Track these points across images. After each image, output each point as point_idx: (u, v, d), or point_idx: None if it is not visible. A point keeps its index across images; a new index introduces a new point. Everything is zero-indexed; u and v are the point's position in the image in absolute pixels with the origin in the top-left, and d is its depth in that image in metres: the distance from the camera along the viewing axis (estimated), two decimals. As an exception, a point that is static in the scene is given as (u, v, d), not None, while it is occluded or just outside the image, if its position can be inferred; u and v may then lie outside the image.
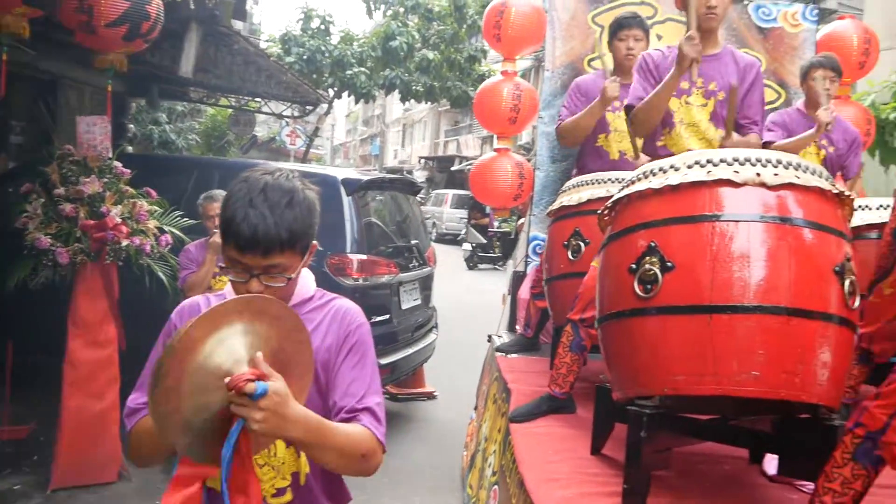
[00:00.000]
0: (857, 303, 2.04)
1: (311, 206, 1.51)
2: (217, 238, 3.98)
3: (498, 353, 4.43)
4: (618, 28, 4.02)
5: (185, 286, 4.19)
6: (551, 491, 2.40)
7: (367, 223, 5.52)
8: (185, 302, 1.66)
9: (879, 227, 3.27)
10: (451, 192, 27.21)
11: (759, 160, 2.04)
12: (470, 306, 10.92)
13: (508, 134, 5.38)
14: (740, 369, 1.97)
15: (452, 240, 24.27)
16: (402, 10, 17.06)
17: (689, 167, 2.10)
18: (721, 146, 2.97)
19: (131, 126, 11.24)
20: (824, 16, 6.11)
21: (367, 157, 55.58)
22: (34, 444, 4.64)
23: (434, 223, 26.17)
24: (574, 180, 3.57)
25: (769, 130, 3.84)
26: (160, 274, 4.43)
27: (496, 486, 3.16)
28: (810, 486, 2.02)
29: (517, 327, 4.98)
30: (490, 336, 5.02)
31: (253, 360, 1.32)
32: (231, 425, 1.31)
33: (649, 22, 4.56)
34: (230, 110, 14.85)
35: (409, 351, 5.72)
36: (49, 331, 4.28)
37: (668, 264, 2.05)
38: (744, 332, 1.96)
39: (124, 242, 4.18)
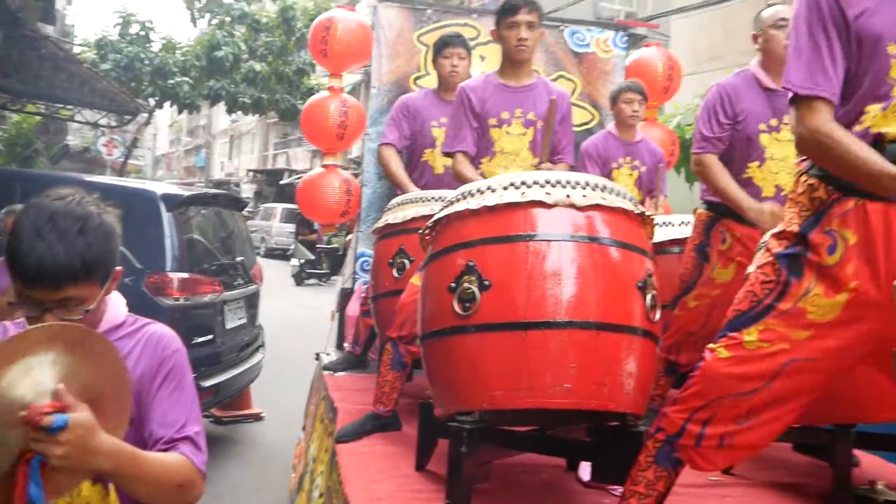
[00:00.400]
0: (658, 316, 2.18)
1: (109, 232, 1.42)
2: None
3: (325, 372, 4.37)
4: (442, 46, 4.12)
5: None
6: (375, 510, 2.39)
7: (188, 240, 5.32)
8: None
9: (681, 242, 3.52)
10: (280, 206, 26.72)
11: (568, 182, 2.14)
12: (299, 324, 10.74)
13: (336, 150, 5.36)
14: (554, 382, 2.04)
15: (282, 255, 23.81)
16: (228, 19, 16.62)
17: (505, 189, 2.17)
18: (538, 167, 3.11)
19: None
20: (636, 41, 6.51)
21: (191, 169, 53.55)
22: None
23: (263, 238, 25.59)
24: (399, 198, 3.60)
25: (589, 166, 4.07)
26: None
27: (323, 508, 3.11)
28: (620, 489, 2.13)
29: (345, 345, 4.94)
30: (318, 354, 4.96)
31: (56, 391, 1.22)
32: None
33: (472, 43, 4.70)
34: (38, 118, 13.87)
35: (235, 372, 5.55)
36: None
37: (486, 283, 2.11)
38: (556, 347, 2.04)
39: None
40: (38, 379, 1.22)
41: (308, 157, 31.54)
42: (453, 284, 2.18)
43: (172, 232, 5.04)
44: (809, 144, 1.85)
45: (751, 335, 1.88)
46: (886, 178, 1.71)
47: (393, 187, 4.70)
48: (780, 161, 3.06)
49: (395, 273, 3.42)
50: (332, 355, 4.81)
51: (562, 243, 2.08)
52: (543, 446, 2.51)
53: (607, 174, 4.20)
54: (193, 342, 4.98)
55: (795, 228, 1.90)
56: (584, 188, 2.14)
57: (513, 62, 3.15)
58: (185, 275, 5.00)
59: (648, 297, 2.14)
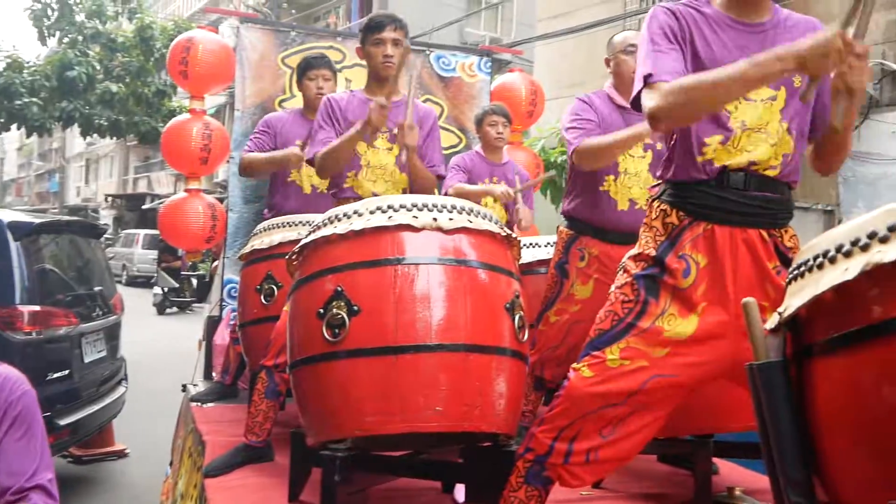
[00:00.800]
0: (526, 336, 2.22)
1: None
2: None
3: (193, 404, 4.21)
4: (307, 68, 4.08)
5: None
6: (246, 547, 2.31)
7: (40, 270, 5.01)
8: None
9: (548, 262, 3.61)
10: (142, 232, 25.61)
11: (435, 206, 2.16)
12: (164, 354, 10.31)
13: (199, 174, 5.19)
14: (426, 406, 2.04)
15: (145, 282, 22.81)
16: (80, 38, 15.85)
17: (372, 213, 2.16)
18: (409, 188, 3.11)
19: None
20: (501, 65, 6.68)
21: (44, 195, 50.66)
22: None
23: (124, 265, 24.48)
24: (265, 223, 3.53)
25: (454, 174, 4.12)
26: None
27: (191, 548, 2.98)
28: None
29: (214, 375, 4.78)
30: (185, 385, 4.77)
31: None
32: None
33: (338, 66, 4.68)
34: None
35: (95, 408, 5.26)
36: None
37: (355, 308, 2.09)
38: (427, 370, 2.04)
39: None
40: None
41: (171, 182, 30.48)
42: (322, 310, 2.14)
43: (21, 262, 4.73)
44: (665, 106, 1.85)
45: (613, 353, 1.94)
46: (749, 72, 1.74)
47: (259, 212, 4.61)
48: (633, 176, 3.19)
49: (263, 300, 3.34)
50: (199, 386, 4.64)
51: (430, 266, 2.09)
52: (417, 470, 2.50)
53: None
54: (48, 378, 4.69)
55: (652, 252, 1.99)
56: (450, 211, 2.16)
57: (379, 79, 3.16)
58: (37, 307, 4.70)
59: (516, 317, 2.17)
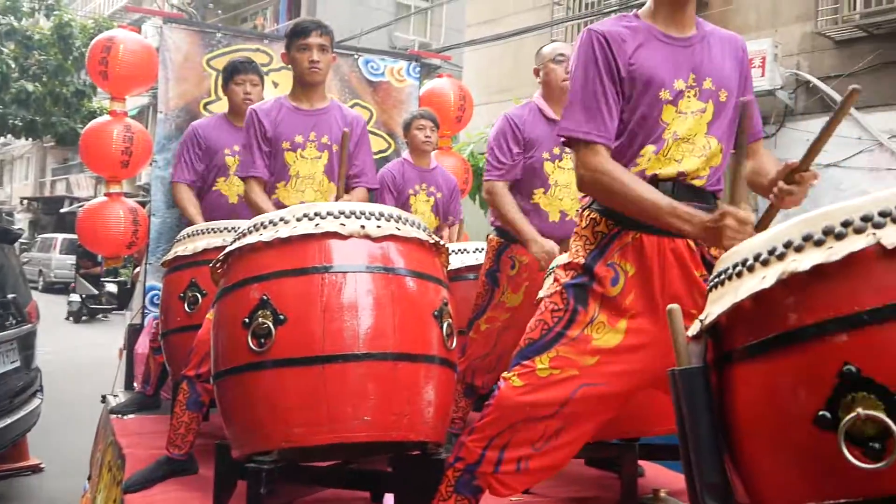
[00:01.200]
0: (454, 343, 2.22)
1: None
2: None
3: (113, 415, 4.08)
4: (233, 72, 4.01)
5: None
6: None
7: (-52, 277, 4.80)
8: None
9: (476, 268, 3.62)
10: (60, 237, 24.73)
11: (363, 213, 2.14)
12: (82, 364, 9.99)
13: (120, 178, 5.03)
14: (354, 416, 2.02)
15: (63, 289, 22.00)
16: (-6, 35, 15.28)
17: (299, 220, 2.13)
18: (337, 197, 3.09)
19: None
20: (430, 70, 6.69)
21: (-46, 198, 48.59)
22: None
23: (41, 271, 23.62)
24: (189, 229, 3.45)
25: (384, 194, 4.11)
26: None
27: (111, 566, 2.88)
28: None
29: (135, 384, 4.64)
30: (104, 396, 4.61)
31: None
32: None
33: (265, 69, 4.61)
34: None
35: (7, 421, 5.03)
36: None
37: (281, 317, 2.05)
38: (355, 380, 2.02)
39: None
40: None
41: (92, 184, 29.57)
42: (247, 319, 2.10)
43: (-72, 269, 4.52)
44: (591, 185, 1.98)
45: (542, 363, 1.95)
46: (662, 211, 1.86)
47: (182, 217, 4.51)
48: (563, 188, 3.24)
49: (186, 307, 3.26)
50: (120, 397, 4.49)
51: (357, 275, 2.07)
52: (346, 481, 2.48)
53: (404, 201, 4.26)
54: (-44, 392, 4.49)
55: (581, 260, 2.01)
56: (378, 219, 2.15)
57: (305, 85, 3.12)
58: (-55, 316, 4.50)
59: (445, 325, 2.17)
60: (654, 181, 1.97)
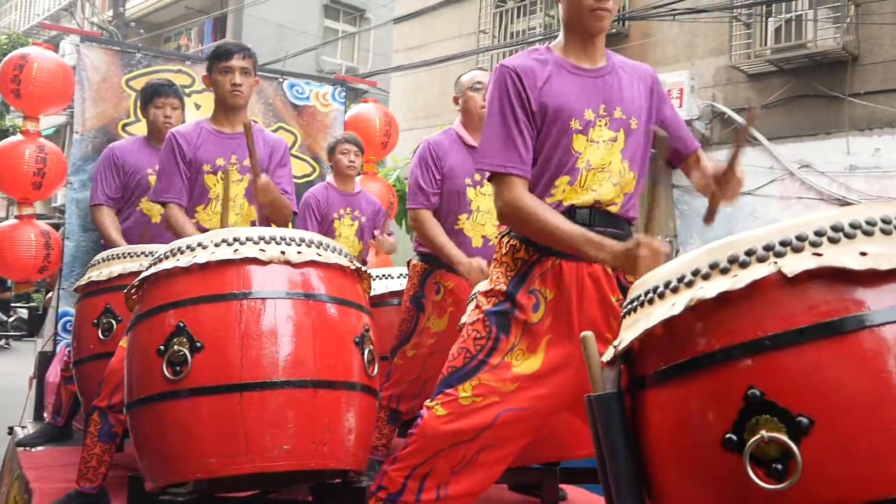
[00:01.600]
0: (375, 370, 2.21)
1: None
2: None
3: (20, 448, 3.91)
4: (154, 95, 3.94)
5: None
6: None
7: None
8: None
9: (400, 293, 3.62)
10: (-32, 260, 23.69)
11: (283, 239, 2.12)
12: (-9, 392, 9.53)
13: (32, 200, 4.87)
14: (272, 444, 1.98)
15: (-30, 315, 21.06)
16: None
17: (217, 245, 2.09)
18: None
19: None
20: (357, 95, 6.69)
21: None
22: None
23: (-54, 296, 22.55)
24: (104, 253, 3.35)
25: (307, 219, 4.08)
26: None
27: None
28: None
29: (45, 415, 4.46)
30: (11, 428, 4.42)
31: None
32: None
33: (187, 91, 4.55)
34: None
35: None
36: None
37: (198, 344, 2.01)
38: (274, 408, 1.99)
39: None
40: None
41: (3, 205, 28.45)
42: (162, 347, 2.05)
43: None
44: (509, 217, 2.03)
45: (465, 391, 1.96)
46: (576, 241, 1.91)
47: (99, 240, 4.39)
48: (486, 213, 3.27)
49: (100, 334, 3.15)
50: (28, 428, 4.31)
51: (277, 301, 2.04)
52: (266, 511, 2.42)
53: (328, 225, 4.23)
54: None
55: (503, 287, 2.04)
56: (299, 245, 2.13)
57: (227, 108, 3.09)
58: None
59: (366, 351, 2.16)
60: (571, 210, 2.02)
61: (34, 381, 4.90)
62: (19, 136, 4.86)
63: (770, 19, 9.06)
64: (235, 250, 2.08)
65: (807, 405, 1.14)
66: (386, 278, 3.82)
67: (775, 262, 1.20)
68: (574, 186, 2.03)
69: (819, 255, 1.19)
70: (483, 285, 2.14)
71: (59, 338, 4.55)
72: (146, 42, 15.93)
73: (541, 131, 2.02)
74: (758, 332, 1.20)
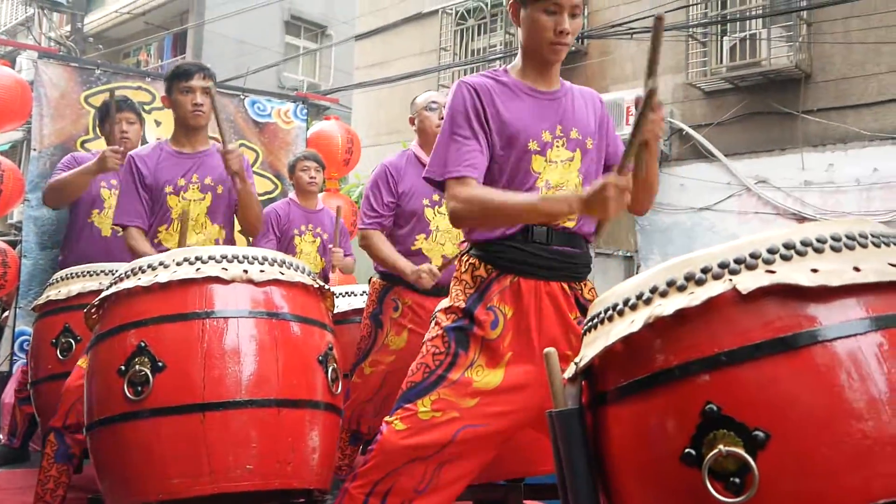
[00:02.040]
0: (339, 388, 2.21)
1: None
2: None
3: (-26, 471, 3.83)
4: (110, 111, 3.89)
5: None
6: None
7: None
8: None
9: (363, 311, 3.61)
10: (-80, 278, 23.17)
11: (245, 258, 2.11)
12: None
13: (-13, 217, 4.80)
14: (235, 464, 1.98)
15: (-78, 334, 20.55)
16: None
17: (179, 264, 2.08)
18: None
19: None
20: (318, 111, 6.67)
21: None
22: None
23: None
24: (63, 272, 3.30)
25: (267, 232, 4.06)
26: None
27: None
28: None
29: (1, 437, 4.37)
30: (-35, 450, 4.31)
31: None
32: None
33: (147, 107, 4.53)
34: None
35: None
36: None
37: (160, 364, 1.99)
38: (237, 428, 1.98)
39: None
40: None
41: (-43, 222, 27.85)
42: (123, 367, 2.03)
43: None
44: (464, 214, 2.01)
45: (425, 406, 1.97)
46: (537, 207, 1.94)
47: (56, 259, 4.32)
48: (445, 232, 3.28)
49: (59, 354, 3.12)
50: (-17, 450, 4.22)
51: (240, 320, 2.04)
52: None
53: (289, 241, 4.22)
54: None
55: (462, 304, 2.05)
56: (261, 263, 2.13)
57: (188, 129, 3.08)
58: None
59: (329, 370, 2.16)
60: (527, 228, 2.04)
61: (-11, 403, 4.80)
62: (-26, 153, 4.78)
63: (725, 38, 9.23)
64: (198, 269, 2.07)
65: (763, 419, 1.17)
66: (349, 296, 3.81)
67: (730, 280, 1.24)
68: None
69: (772, 272, 1.23)
70: (443, 303, 2.15)
71: (15, 357, 4.46)
72: (105, 57, 15.76)
73: (500, 153, 2.05)
74: (714, 347, 1.23)
